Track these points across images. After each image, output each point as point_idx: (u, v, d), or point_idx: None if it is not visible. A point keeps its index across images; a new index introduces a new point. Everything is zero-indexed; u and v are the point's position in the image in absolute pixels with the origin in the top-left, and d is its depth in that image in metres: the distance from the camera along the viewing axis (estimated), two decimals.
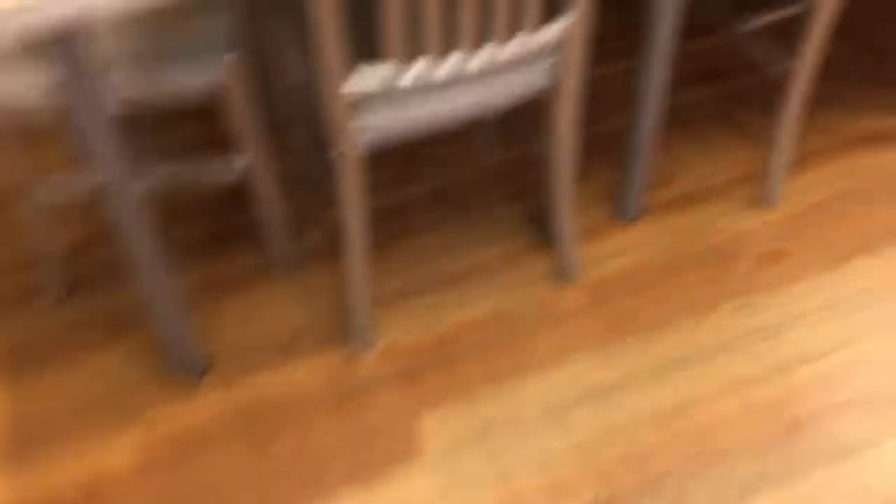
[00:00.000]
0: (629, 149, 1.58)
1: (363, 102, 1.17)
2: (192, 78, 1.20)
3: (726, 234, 1.62)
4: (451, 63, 1.15)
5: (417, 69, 1.14)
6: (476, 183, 1.72)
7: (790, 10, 1.67)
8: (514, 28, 1.15)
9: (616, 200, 1.68)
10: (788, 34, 1.77)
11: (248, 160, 1.38)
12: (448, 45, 1.13)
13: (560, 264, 1.57)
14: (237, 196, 1.71)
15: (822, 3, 1.40)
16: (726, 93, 1.86)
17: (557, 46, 1.21)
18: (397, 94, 1.17)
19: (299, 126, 1.64)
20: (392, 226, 1.67)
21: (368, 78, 1.13)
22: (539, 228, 1.64)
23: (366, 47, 1.17)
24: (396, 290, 1.57)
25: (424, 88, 1.17)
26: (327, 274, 1.59)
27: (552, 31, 1.18)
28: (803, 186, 1.69)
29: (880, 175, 1.71)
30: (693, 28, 1.67)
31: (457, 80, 1.18)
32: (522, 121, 1.67)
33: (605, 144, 1.77)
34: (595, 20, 2.03)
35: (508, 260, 1.61)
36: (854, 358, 1.45)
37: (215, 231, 1.67)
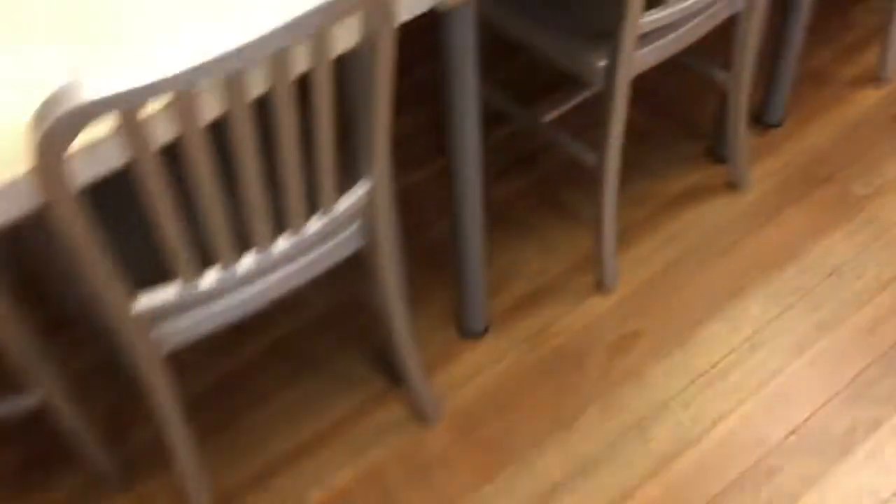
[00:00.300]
0: (458, 259, 1.50)
1: (156, 316, 1.03)
2: None
3: (574, 330, 1.58)
4: (250, 260, 1.03)
5: (212, 276, 1.01)
6: (306, 334, 1.60)
7: (584, 95, 1.67)
8: (309, 212, 1.04)
9: (458, 317, 1.60)
10: (589, 114, 1.76)
11: (39, 392, 1.19)
12: (240, 247, 1.01)
13: (417, 404, 1.47)
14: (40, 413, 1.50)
15: (616, 86, 1.38)
16: (542, 176, 1.83)
17: (362, 210, 1.12)
18: (196, 299, 1.03)
19: (91, 318, 1.46)
20: (224, 404, 1.51)
21: (157, 295, 0.99)
22: (387, 369, 1.53)
23: (149, 262, 1.03)
24: (243, 480, 1.41)
25: (226, 287, 1.04)
26: (165, 476, 1.41)
27: (353, 199, 1.09)
28: (636, 261, 1.68)
29: (702, 231, 1.72)
30: (490, 116, 1.63)
31: (261, 271, 1.05)
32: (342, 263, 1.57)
33: (434, 255, 1.70)
34: (400, 119, 1.96)
35: (362, 412, 1.49)
36: (732, 429, 1.42)
37: (26, 457, 1.45)
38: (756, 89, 1.81)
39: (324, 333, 1.59)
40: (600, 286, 1.64)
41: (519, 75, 2.01)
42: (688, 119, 1.93)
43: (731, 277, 1.64)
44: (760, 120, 1.90)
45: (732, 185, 1.80)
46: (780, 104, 1.87)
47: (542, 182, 1.83)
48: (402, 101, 1.98)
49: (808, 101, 1.94)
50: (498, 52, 2.03)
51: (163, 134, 0.86)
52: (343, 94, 1.12)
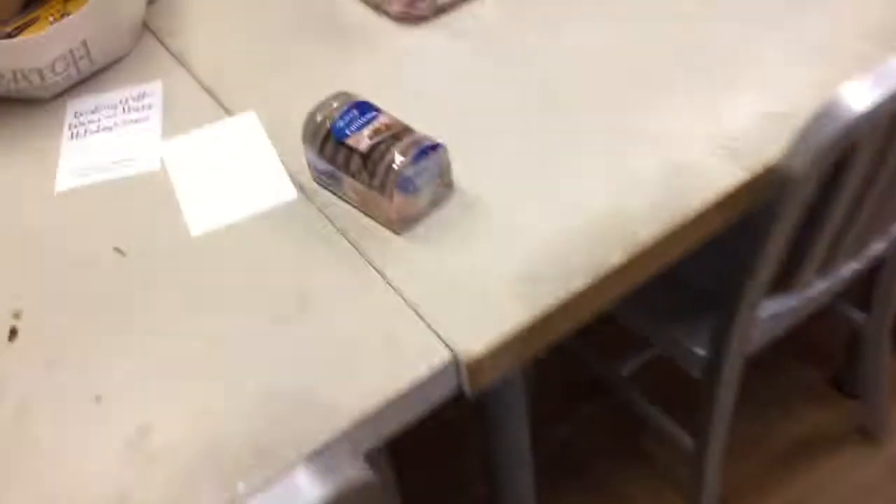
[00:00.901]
0: None
1: None
2: None
3: None
4: None
5: None
6: None
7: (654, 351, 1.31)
8: None
9: None
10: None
11: None
12: None
13: None
14: None
15: (722, 379, 1.03)
16: (615, 409, 1.47)
17: None
18: None
19: None
20: None
21: None
22: None
23: None
24: None
25: None
26: None
27: None
28: None
29: (831, 500, 1.33)
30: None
31: None
32: None
33: None
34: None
35: None
36: None
37: None
38: None
39: None
40: None
41: None
42: (809, 339, 1.54)
43: None
44: None
45: (866, 431, 1.40)
46: None
47: (614, 418, 1.46)
48: None
49: None
50: None
51: None
52: None
